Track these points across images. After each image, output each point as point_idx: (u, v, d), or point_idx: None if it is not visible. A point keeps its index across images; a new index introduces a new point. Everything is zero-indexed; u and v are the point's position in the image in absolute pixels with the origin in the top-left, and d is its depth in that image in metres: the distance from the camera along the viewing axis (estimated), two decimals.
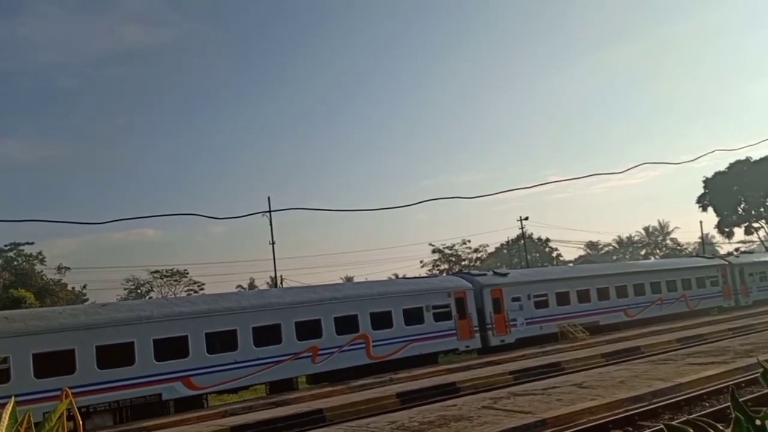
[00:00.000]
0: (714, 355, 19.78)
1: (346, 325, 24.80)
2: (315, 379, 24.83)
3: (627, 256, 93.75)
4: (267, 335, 22.97)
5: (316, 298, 24.89)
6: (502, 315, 29.84)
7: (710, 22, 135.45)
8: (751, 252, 53.76)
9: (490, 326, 29.36)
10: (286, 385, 23.32)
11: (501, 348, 29.16)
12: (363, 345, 25.06)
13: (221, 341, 22.14)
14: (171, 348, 21.10)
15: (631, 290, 35.09)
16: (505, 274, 32.16)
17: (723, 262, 41.81)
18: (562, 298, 32.22)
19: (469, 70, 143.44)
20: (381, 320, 25.78)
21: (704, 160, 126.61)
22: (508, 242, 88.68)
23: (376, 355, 25.30)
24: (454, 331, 27.84)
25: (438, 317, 27.54)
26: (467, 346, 28.40)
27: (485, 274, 32.10)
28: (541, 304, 31.33)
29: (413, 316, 26.78)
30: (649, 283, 36.14)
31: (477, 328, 28.68)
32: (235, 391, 23.10)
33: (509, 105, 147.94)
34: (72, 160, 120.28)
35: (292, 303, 24.08)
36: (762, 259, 45.25)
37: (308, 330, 23.89)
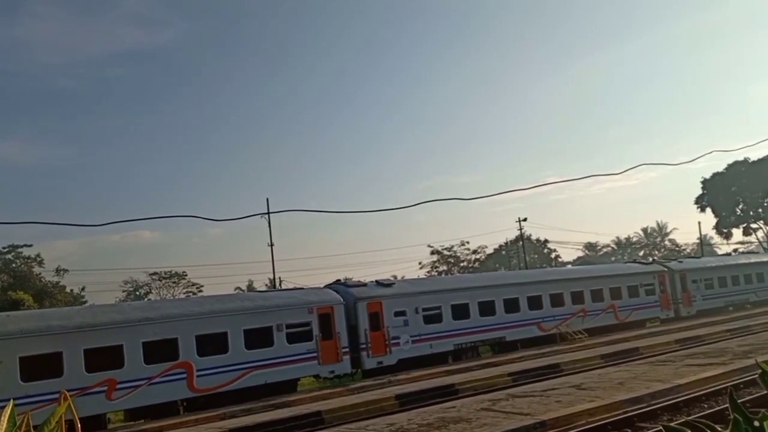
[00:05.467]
0: (712, 356, 19.40)
1: (160, 351, 20.37)
2: (130, 416, 20.71)
3: (626, 258, 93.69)
4: (41, 367, 18.58)
5: (120, 319, 20.38)
6: (381, 333, 25.05)
7: (708, 22, 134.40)
8: (697, 257, 48.56)
9: (364, 346, 24.55)
10: (93, 423, 18.80)
11: (379, 371, 24.44)
12: (183, 375, 20.60)
13: None
14: None
15: (546, 301, 29.97)
16: (389, 285, 27.21)
17: (661, 268, 36.98)
18: (460, 312, 27.08)
19: (467, 71, 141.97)
20: (211, 344, 21.28)
21: (702, 161, 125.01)
22: (506, 243, 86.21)
23: (201, 387, 20.80)
24: (315, 355, 23.18)
25: (293, 338, 22.84)
26: (332, 372, 23.72)
27: (363, 285, 26.94)
28: (433, 319, 26.30)
29: (258, 338, 22.14)
30: (570, 293, 30.89)
31: (347, 350, 23.96)
32: None
33: (508, 106, 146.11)
34: (70, 161, 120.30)
35: (81, 326, 19.56)
36: (708, 264, 39.95)
37: (104, 359, 19.48)
